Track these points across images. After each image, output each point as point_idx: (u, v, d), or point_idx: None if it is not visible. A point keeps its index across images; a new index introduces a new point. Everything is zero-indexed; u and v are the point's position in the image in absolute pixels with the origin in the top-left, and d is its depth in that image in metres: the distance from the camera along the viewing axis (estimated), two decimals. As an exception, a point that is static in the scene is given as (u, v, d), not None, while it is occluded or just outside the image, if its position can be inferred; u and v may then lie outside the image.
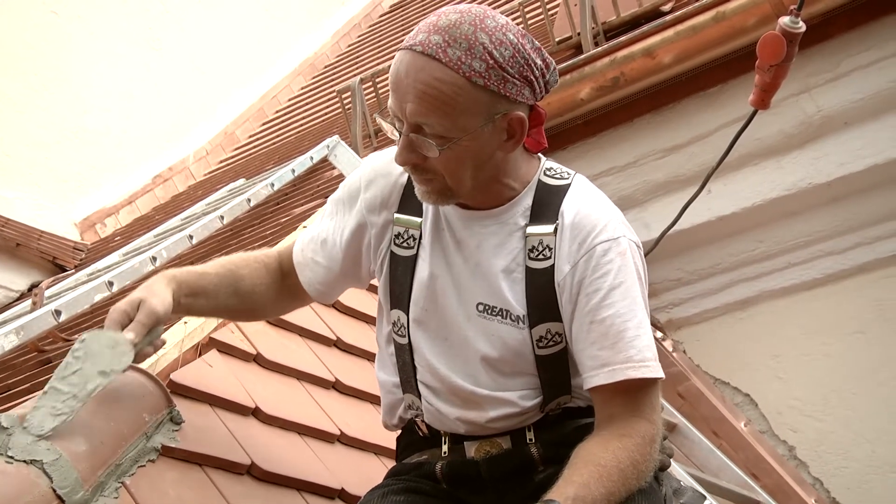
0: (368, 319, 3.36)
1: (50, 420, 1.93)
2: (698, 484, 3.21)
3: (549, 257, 1.99)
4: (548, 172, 2.07)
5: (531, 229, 2.01)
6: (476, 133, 1.90)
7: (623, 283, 1.97)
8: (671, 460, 2.16)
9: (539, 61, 1.94)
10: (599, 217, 2.01)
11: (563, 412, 2.08)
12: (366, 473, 2.62)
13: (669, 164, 4.63)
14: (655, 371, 1.96)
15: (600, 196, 2.08)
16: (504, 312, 2.01)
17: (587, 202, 2.03)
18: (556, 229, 1.99)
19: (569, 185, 2.05)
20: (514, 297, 2.00)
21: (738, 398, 4.71)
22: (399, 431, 2.23)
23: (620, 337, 1.94)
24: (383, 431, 2.33)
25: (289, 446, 2.56)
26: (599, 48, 4.57)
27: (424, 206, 2.07)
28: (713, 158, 3.79)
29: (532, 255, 2.00)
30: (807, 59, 4.08)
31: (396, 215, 2.10)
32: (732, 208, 4.57)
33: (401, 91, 1.89)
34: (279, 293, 2.28)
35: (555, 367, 2.03)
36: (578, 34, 4.92)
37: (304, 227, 3.67)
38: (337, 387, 2.95)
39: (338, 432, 2.73)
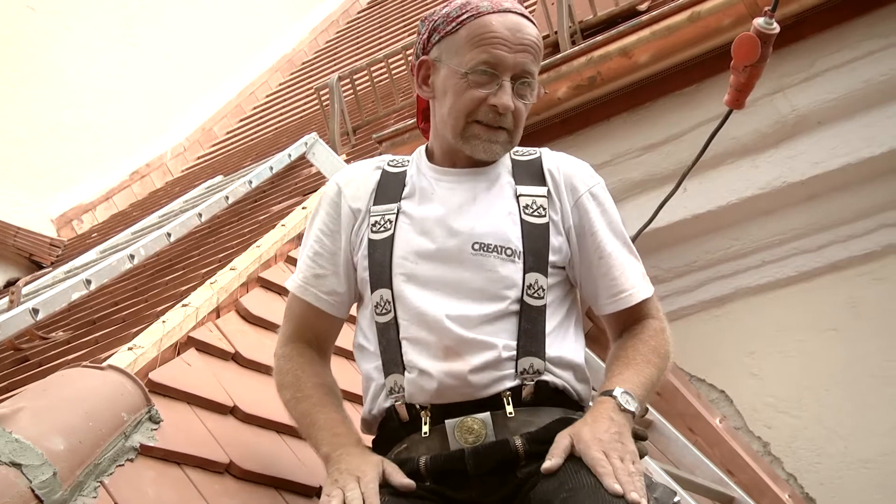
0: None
1: None
2: (674, 480, 3.24)
3: (544, 216, 2.20)
4: (514, 153, 2.32)
5: (522, 189, 2.23)
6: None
7: (614, 218, 2.28)
8: (646, 457, 2.18)
9: None
10: (580, 165, 2.34)
11: (537, 391, 2.10)
12: (343, 471, 2.63)
13: (646, 162, 4.65)
14: (650, 289, 2.27)
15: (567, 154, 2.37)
16: (500, 248, 2.16)
17: (563, 158, 2.34)
18: (548, 192, 2.24)
19: (540, 154, 2.33)
20: (513, 235, 2.17)
21: (713, 395, 4.74)
22: (374, 435, 2.24)
23: (626, 267, 2.24)
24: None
25: (267, 444, 2.57)
26: (576, 47, 4.58)
27: (408, 181, 2.27)
28: (689, 157, 3.82)
29: (526, 211, 2.21)
30: (781, 59, 4.11)
31: (373, 207, 2.26)
32: (708, 206, 4.58)
33: (508, 44, 2.18)
34: (327, 358, 2.37)
35: (534, 321, 2.13)
36: (556, 33, 4.94)
37: (283, 225, 3.68)
38: (315, 385, 2.95)
39: (316, 430, 2.72)
